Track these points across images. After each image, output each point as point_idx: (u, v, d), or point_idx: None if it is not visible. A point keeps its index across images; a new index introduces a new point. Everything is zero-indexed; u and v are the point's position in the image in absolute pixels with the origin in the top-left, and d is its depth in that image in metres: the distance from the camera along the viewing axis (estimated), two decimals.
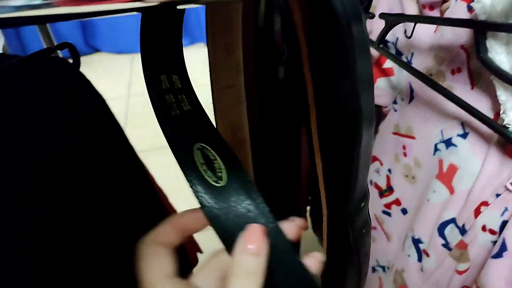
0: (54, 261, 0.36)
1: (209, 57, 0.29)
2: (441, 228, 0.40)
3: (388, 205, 0.50)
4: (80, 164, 0.40)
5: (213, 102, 0.33)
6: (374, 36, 0.41)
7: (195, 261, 0.72)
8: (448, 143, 0.37)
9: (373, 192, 0.52)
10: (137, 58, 2.15)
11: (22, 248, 0.32)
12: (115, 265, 0.45)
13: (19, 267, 0.32)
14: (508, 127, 0.29)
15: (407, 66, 0.36)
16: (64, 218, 0.37)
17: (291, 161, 0.63)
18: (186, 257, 0.65)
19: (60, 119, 0.39)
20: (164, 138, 0.24)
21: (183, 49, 0.26)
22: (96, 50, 2.19)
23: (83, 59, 0.41)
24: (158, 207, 0.58)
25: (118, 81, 1.97)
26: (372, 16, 0.39)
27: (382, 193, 0.50)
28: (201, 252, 0.76)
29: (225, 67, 0.30)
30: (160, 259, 0.21)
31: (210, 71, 0.30)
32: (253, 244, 0.19)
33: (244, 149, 0.38)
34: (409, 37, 0.36)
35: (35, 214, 0.33)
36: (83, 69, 0.44)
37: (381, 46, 0.39)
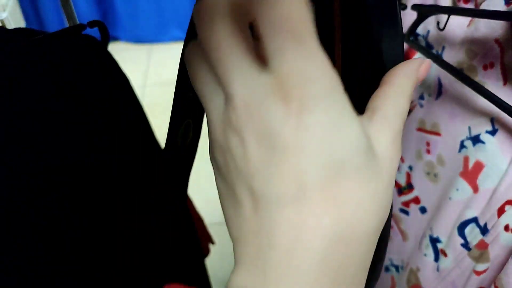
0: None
1: None
2: (461, 227, 0.39)
3: (406, 203, 0.49)
4: (105, 141, 0.40)
5: None
6: (405, 28, 0.40)
7: (206, 251, 0.73)
8: (476, 140, 0.36)
9: None
10: (155, 49, 2.16)
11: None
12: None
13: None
14: None
15: (438, 60, 0.36)
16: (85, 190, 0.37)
17: None
18: (199, 246, 0.66)
19: (88, 94, 0.40)
20: None
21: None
22: (114, 39, 2.21)
23: None
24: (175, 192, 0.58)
25: (135, 71, 1.99)
26: (404, 7, 0.38)
27: (401, 191, 0.50)
28: (213, 243, 0.77)
29: None
30: None
31: None
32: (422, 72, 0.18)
33: None
34: (442, 30, 0.35)
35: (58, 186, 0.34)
36: None
37: (411, 38, 0.39)
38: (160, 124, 0.50)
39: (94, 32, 0.41)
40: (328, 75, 0.14)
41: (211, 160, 0.17)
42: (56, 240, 0.34)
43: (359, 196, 0.15)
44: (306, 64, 0.13)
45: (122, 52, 2.16)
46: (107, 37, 0.40)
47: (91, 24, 0.39)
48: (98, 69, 0.41)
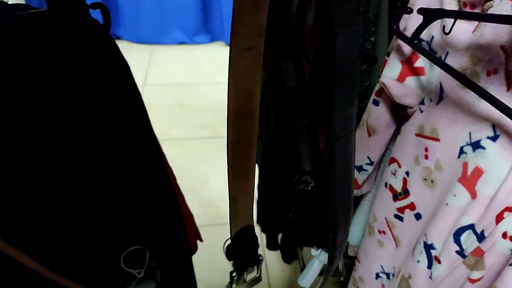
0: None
1: (233, 13, 0.29)
2: (457, 234, 0.39)
3: (401, 209, 0.49)
4: (98, 129, 0.40)
5: (229, 65, 0.32)
6: (409, 34, 0.41)
7: (194, 248, 0.72)
8: (476, 145, 0.36)
9: (387, 195, 0.51)
10: (156, 50, 2.16)
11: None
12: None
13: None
14: None
15: (441, 63, 0.36)
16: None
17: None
18: (187, 241, 0.64)
19: (84, 78, 0.39)
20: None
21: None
22: (116, 37, 2.21)
23: None
24: (168, 187, 0.58)
25: (135, 70, 1.98)
26: (410, 11, 0.38)
27: (396, 196, 0.49)
28: (201, 240, 0.75)
29: (247, 26, 0.30)
30: None
31: (231, 29, 0.30)
32: None
33: (252, 120, 0.37)
34: (448, 34, 0.35)
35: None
36: None
37: (415, 42, 0.39)
38: (154, 124, 0.50)
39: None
40: None
41: None
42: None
43: None
44: None
45: (124, 50, 2.15)
46: (108, 21, 0.39)
47: (94, 6, 0.38)
48: (95, 53, 0.41)
